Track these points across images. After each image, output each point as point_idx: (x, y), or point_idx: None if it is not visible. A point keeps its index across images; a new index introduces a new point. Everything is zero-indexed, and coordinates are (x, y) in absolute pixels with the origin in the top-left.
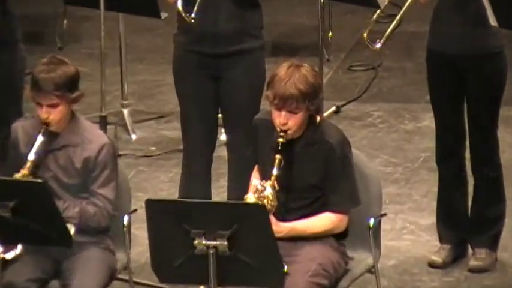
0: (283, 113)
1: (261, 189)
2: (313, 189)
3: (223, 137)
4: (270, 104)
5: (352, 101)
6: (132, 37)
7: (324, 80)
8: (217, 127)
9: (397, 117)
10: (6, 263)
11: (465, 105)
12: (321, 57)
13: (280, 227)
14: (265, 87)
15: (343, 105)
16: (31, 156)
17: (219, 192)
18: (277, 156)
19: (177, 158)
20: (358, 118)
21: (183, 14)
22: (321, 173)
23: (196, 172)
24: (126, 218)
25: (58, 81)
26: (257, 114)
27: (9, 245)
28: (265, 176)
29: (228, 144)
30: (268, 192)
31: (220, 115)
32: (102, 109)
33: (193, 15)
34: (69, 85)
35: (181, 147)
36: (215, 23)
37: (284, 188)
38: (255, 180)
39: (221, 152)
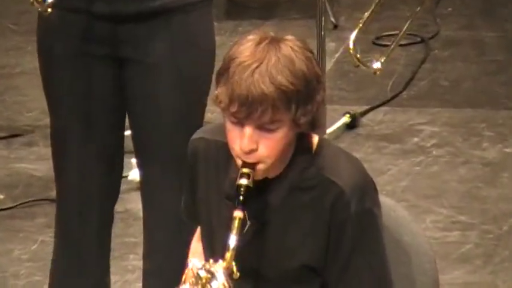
0: (249, 130)
1: (205, 278)
2: (305, 275)
3: (133, 174)
4: (223, 113)
5: (382, 104)
6: None
7: (328, 66)
8: (123, 156)
9: (469, 136)
10: None
11: None
12: (321, 19)
13: None
14: (213, 81)
15: (363, 113)
16: None
17: (126, 282)
18: (237, 214)
19: (47, 215)
20: (392, 138)
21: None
22: (320, 246)
23: (80, 242)
24: None
25: None
26: (196, 132)
27: None
28: (213, 250)
29: (142, 188)
30: (220, 282)
31: (128, 132)
32: None
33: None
34: None
35: (54, 193)
36: None
37: (251, 275)
38: (194, 260)
39: (130, 203)
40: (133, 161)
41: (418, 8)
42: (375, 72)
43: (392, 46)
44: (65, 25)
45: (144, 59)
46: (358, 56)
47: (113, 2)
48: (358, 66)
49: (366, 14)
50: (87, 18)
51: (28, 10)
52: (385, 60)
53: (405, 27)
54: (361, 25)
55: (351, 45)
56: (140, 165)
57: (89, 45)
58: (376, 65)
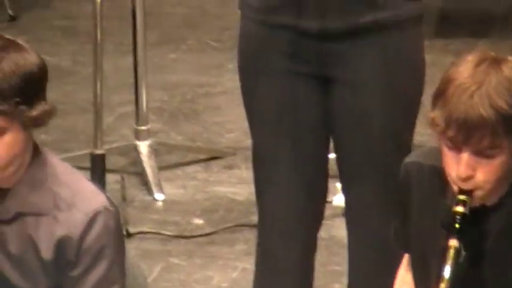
0: (466, 155)
1: None
2: None
3: (338, 199)
4: (439, 138)
5: None
6: None
7: None
8: (327, 179)
9: None
10: None
11: None
12: None
13: None
14: (423, 101)
15: None
16: None
17: None
18: (452, 243)
19: (247, 241)
20: None
21: None
22: None
23: (283, 270)
24: None
25: (3, 83)
26: (410, 156)
27: None
28: (425, 281)
29: (348, 213)
30: None
31: (332, 155)
32: (98, 142)
33: None
34: (27, 92)
35: (255, 218)
36: None
37: None
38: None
39: (335, 230)
40: (338, 185)
41: None
42: None
43: None
44: (271, 41)
45: (353, 77)
46: None
47: (321, 18)
48: None
49: None
50: (294, 34)
51: (231, 26)
52: None
53: None
54: None
55: None
56: (345, 190)
57: (295, 62)
58: None
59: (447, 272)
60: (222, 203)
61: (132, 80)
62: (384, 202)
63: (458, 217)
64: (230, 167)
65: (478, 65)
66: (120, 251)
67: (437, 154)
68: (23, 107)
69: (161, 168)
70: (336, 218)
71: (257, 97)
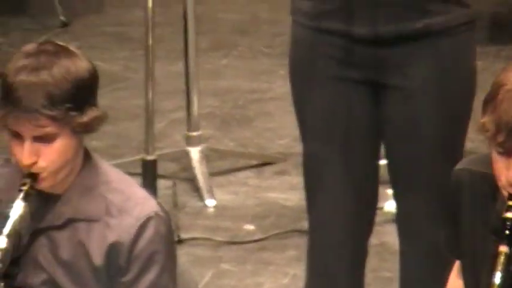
0: None
1: None
2: None
3: (389, 205)
4: (490, 143)
5: None
6: (208, 2)
7: None
8: (377, 185)
9: None
10: None
11: None
12: None
13: None
14: (474, 107)
15: None
16: (1, 243)
17: None
18: (503, 249)
19: (298, 247)
20: None
21: None
22: None
23: (334, 276)
24: None
25: (54, 89)
26: (460, 163)
27: None
28: (476, 287)
29: (399, 219)
30: None
31: (383, 161)
32: (149, 148)
33: None
34: (78, 97)
35: (306, 224)
36: None
37: None
38: None
39: (386, 236)
40: (389, 191)
41: None
42: None
43: None
44: (321, 47)
45: (404, 83)
46: None
47: (373, 23)
48: None
49: None
50: (346, 40)
51: (283, 32)
52: None
53: None
54: None
55: None
56: (396, 196)
57: (346, 68)
58: None
59: (497, 278)
60: (273, 209)
61: (183, 86)
62: (435, 209)
63: (508, 223)
64: (281, 173)
65: None
66: (171, 257)
67: (487, 161)
68: (74, 113)
69: (212, 174)
70: (387, 224)
71: (307, 103)
